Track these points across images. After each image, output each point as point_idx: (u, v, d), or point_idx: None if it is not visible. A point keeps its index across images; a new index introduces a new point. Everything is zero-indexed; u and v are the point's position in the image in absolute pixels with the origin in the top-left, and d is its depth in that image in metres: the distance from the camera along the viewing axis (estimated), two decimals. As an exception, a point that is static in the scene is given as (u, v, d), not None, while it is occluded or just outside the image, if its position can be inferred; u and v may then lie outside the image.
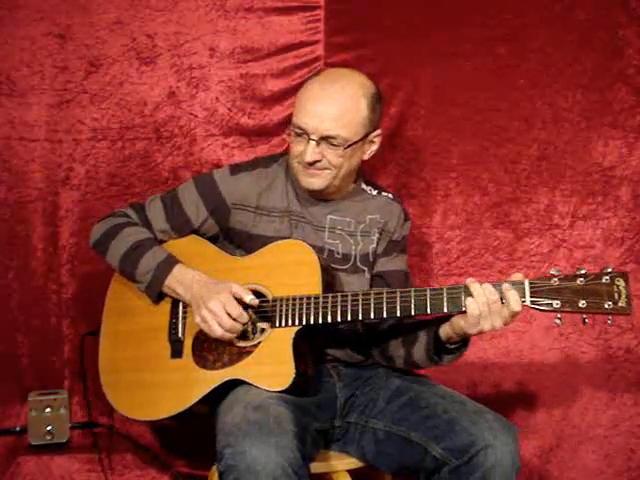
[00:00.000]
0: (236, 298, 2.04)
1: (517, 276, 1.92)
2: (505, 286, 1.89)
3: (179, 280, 2.10)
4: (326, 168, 2.10)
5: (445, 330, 1.98)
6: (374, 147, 2.17)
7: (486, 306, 1.88)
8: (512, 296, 1.87)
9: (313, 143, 2.06)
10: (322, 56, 2.57)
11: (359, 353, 2.23)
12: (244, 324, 2.04)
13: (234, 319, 2.02)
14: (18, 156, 2.50)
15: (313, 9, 2.57)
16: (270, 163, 2.24)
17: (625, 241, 2.64)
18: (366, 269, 2.20)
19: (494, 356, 2.63)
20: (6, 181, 2.51)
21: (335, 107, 2.06)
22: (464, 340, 1.99)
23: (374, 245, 2.21)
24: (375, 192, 2.27)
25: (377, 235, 2.21)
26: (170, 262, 2.12)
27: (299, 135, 2.09)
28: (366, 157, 2.17)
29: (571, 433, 2.64)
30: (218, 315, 2.01)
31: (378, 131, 2.16)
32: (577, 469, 2.65)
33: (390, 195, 2.28)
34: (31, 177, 2.52)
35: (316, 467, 2.02)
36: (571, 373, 2.65)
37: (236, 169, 2.23)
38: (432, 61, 2.60)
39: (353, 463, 2.12)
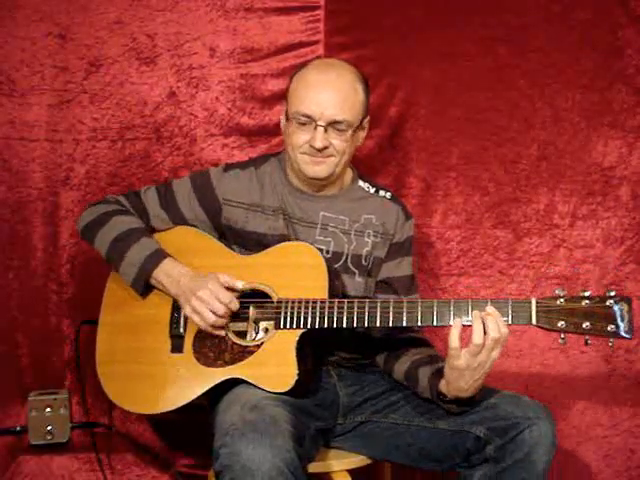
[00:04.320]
0: (228, 287, 2.05)
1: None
2: (489, 309, 1.90)
3: (167, 273, 2.11)
4: (331, 155, 2.13)
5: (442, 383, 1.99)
6: (364, 133, 2.22)
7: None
8: (490, 322, 1.88)
9: (321, 129, 2.09)
10: (322, 56, 2.56)
11: (360, 354, 2.23)
12: (241, 315, 2.05)
13: (225, 305, 2.02)
14: (18, 156, 2.50)
15: (313, 9, 2.57)
16: (262, 162, 2.26)
17: (625, 241, 2.63)
18: (357, 272, 2.20)
19: (494, 356, 2.63)
20: (6, 181, 2.51)
21: (338, 93, 2.10)
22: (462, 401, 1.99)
23: (368, 248, 2.21)
24: (373, 190, 2.28)
25: (372, 238, 2.21)
26: (159, 255, 2.13)
27: (303, 124, 2.11)
28: (359, 143, 2.21)
29: (570, 433, 2.64)
30: (209, 302, 2.02)
31: (368, 117, 2.20)
32: (577, 469, 2.65)
33: (388, 195, 2.28)
34: (31, 177, 2.51)
35: (316, 467, 2.02)
36: (571, 373, 2.65)
37: (229, 167, 2.26)
38: (432, 61, 2.60)
39: (353, 463, 2.12)
